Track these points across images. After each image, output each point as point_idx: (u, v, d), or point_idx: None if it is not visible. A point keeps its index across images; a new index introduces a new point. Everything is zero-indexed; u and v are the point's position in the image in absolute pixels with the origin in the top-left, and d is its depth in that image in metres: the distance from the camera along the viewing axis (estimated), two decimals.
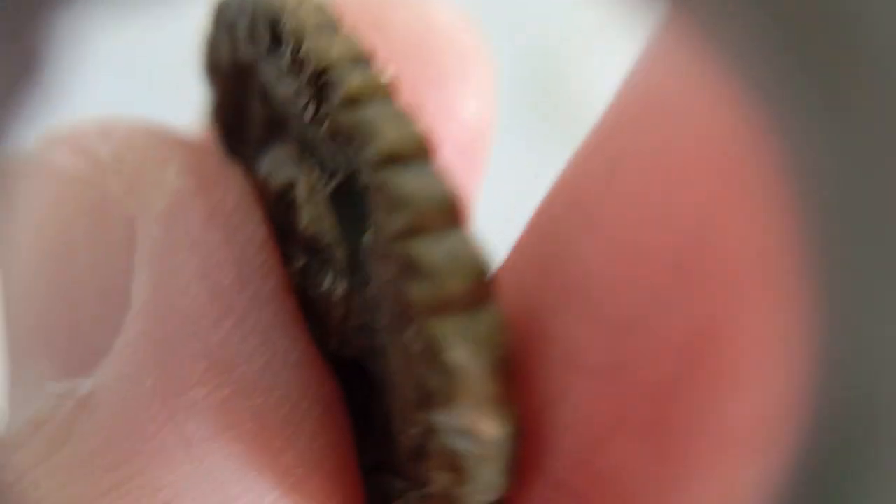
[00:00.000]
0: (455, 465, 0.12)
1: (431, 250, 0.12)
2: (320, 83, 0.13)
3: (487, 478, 0.12)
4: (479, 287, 0.12)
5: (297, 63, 0.13)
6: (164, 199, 0.13)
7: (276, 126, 0.14)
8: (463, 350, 0.12)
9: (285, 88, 0.13)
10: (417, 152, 0.12)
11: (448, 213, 0.12)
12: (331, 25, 0.13)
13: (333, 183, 0.13)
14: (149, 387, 0.13)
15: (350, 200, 0.13)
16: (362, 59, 0.13)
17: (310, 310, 0.14)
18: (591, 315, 0.12)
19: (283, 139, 0.14)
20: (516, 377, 0.13)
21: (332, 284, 0.13)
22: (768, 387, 0.12)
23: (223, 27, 0.14)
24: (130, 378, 0.13)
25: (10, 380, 0.14)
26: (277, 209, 0.14)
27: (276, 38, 0.13)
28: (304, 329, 0.14)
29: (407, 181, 0.12)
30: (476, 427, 0.12)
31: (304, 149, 0.14)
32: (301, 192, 0.14)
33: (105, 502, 0.12)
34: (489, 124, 0.17)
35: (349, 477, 0.14)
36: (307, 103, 0.13)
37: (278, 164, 0.14)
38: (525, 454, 0.13)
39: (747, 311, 0.12)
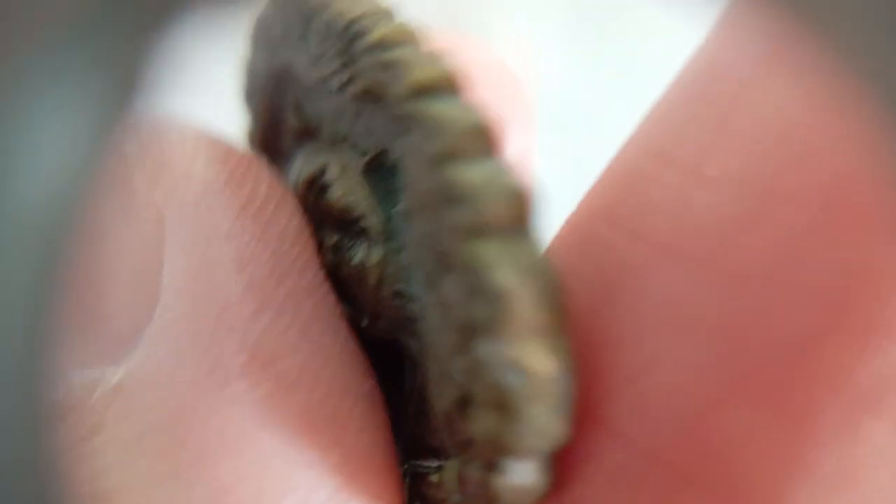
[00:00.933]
0: (502, 403, 0.11)
1: (469, 174, 0.11)
2: (348, 37, 0.13)
3: (539, 419, 0.11)
4: (521, 212, 0.11)
5: (326, 29, 0.13)
6: (194, 190, 0.13)
7: (308, 133, 0.14)
8: (510, 272, 0.11)
9: (317, 71, 0.13)
10: (447, 85, 0.12)
11: (482, 140, 0.12)
12: None
13: (366, 159, 0.13)
14: (187, 379, 0.12)
15: (382, 175, 0.13)
16: (387, 13, 0.13)
17: (342, 290, 0.13)
18: (702, 266, 0.12)
19: (314, 141, 0.14)
20: (586, 324, 0.12)
21: (366, 254, 0.13)
22: None
23: (260, 40, 0.14)
24: (165, 369, 0.12)
25: (55, 366, 0.13)
26: (308, 196, 0.14)
27: (307, 25, 0.13)
28: (342, 319, 0.13)
29: (439, 109, 0.12)
30: (526, 358, 0.11)
31: (336, 140, 0.14)
32: (333, 171, 0.13)
33: (147, 495, 0.12)
34: (531, 161, 0.17)
35: (392, 471, 0.13)
36: (336, 71, 0.13)
37: (309, 158, 0.14)
38: (597, 413, 0.12)
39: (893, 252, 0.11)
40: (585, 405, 0.12)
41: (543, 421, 0.11)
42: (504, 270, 0.11)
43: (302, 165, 0.14)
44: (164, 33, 0.09)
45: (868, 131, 0.09)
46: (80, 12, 0.08)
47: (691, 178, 0.12)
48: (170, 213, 0.13)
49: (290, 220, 0.13)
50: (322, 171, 0.14)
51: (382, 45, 0.12)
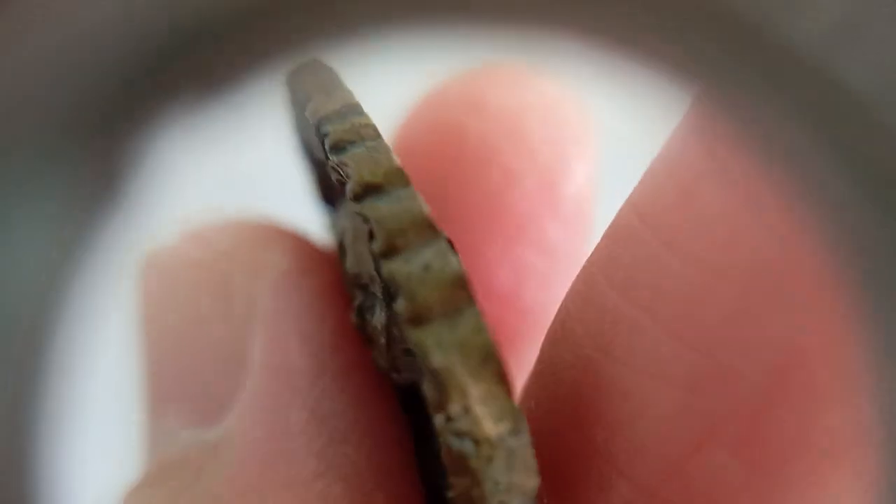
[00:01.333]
0: (464, 469, 0.13)
1: (405, 267, 0.13)
2: (321, 136, 0.14)
3: (500, 478, 0.13)
4: (455, 294, 0.12)
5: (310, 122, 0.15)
6: (273, 277, 0.16)
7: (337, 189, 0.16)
8: (446, 353, 0.12)
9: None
10: (390, 181, 0.13)
11: (421, 231, 0.13)
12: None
13: (368, 226, 0.14)
14: (263, 434, 0.15)
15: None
16: (353, 109, 0.14)
17: (372, 344, 0.15)
18: (675, 330, 0.13)
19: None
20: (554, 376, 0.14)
21: (378, 316, 0.14)
22: (854, 402, 0.12)
23: (291, 101, 0.16)
24: (249, 427, 0.15)
25: (146, 431, 0.16)
26: (340, 257, 0.15)
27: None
28: (379, 374, 0.15)
29: (379, 208, 0.13)
30: (474, 427, 0.12)
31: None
32: (348, 237, 0.15)
33: None
34: (592, 193, 0.19)
35: None
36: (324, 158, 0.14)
37: (340, 218, 0.16)
38: (605, 451, 0.14)
39: (830, 327, 0.12)
40: (594, 443, 0.14)
41: (505, 479, 0.13)
42: (440, 353, 0.12)
43: (336, 224, 0.16)
44: (135, 144, 0.09)
45: (799, 223, 0.11)
46: (46, 129, 0.09)
47: (665, 248, 0.13)
48: (255, 296, 0.16)
49: (343, 298, 0.15)
50: (343, 235, 0.15)
51: (337, 147, 0.14)
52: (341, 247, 0.16)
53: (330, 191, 0.17)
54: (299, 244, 0.16)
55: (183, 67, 0.09)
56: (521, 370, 0.16)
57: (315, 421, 0.15)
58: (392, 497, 0.15)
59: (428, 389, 0.13)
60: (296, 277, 0.15)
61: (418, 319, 0.13)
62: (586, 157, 0.18)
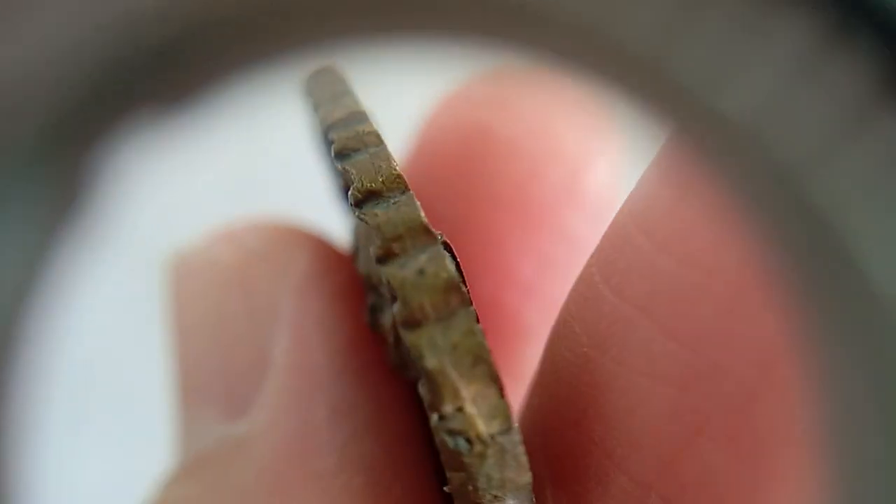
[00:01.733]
0: (459, 466, 0.13)
1: (400, 272, 0.13)
2: (328, 143, 0.15)
3: (493, 474, 0.13)
4: (447, 298, 0.13)
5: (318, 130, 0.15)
6: (296, 278, 0.16)
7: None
8: (438, 356, 0.13)
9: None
10: (390, 187, 0.14)
11: (416, 236, 0.13)
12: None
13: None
14: (288, 430, 0.16)
15: None
16: (359, 117, 0.15)
17: (384, 342, 0.15)
18: (669, 329, 0.14)
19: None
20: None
21: (387, 315, 0.15)
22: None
23: (311, 108, 0.16)
24: (274, 422, 0.16)
25: (180, 425, 0.17)
26: (355, 258, 0.16)
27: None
28: (400, 378, 0.16)
29: (378, 214, 0.14)
30: (466, 426, 0.13)
31: None
32: (361, 239, 0.16)
33: None
34: (616, 187, 0.19)
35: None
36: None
37: (354, 224, 0.17)
38: (604, 445, 0.14)
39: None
40: (593, 438, 0.14)
41: (498, 475, 0.13)
42: (433, 355, 0.13)
43: (353, 226, 0.17)
44: (102, 154, 0.09)
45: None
46: (15, 140, 0.09)
47: (659, 250, 0.14)
48: (279, 296, 0.16)
49: (360, 299, 0.16)
50: (357, 236, 0.16)
51: (341, 154, 0.14)
52: (356, 248, 0.16)
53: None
54: (320, 246, 0.17)
55: (152, 78, 0.09)
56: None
57: (337, 417, 0.15)
58: (408, 488, 0.15)
59: (423, 390, 0.13)
60: (317, 278, 0.16)
61: (412, 323, 0.13)
62: (609, 151, 0.19)
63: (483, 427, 0.13)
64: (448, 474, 0.14)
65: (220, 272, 0.17)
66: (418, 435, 0.16)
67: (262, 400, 0.16)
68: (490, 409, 0.13)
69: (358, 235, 0.16)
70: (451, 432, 0.13)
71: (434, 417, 0.13)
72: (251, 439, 0.16)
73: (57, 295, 0.10)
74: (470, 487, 0.14)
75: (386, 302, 0.15)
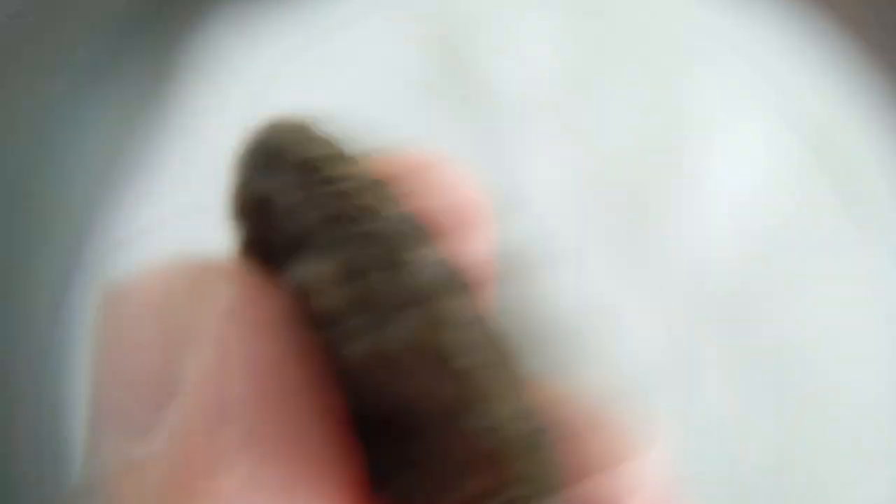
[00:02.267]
0: (492, 465, 0.13)
1: (421, 277, 0.14)
2: (307, 172, 0.16)
3: (525, 473, 0.13)
4: (470, 301, 0.13)
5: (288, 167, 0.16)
6: (219, 309, 0.17)
7: (297, 245, 0.17)
8: (469, 358, 0.13)
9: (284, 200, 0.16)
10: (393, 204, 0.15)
11: (422, 238, 0.14)
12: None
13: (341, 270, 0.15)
14: (188, 450, 0.16)
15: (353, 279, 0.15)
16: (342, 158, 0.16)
17: (345, 373, 0.16)
18: None
19: (303, 251, 0.17)
20: None
21: (353, 347, 0.15)
22: None
23: (240, 172, 0.17)
24: (180, 444, 0.16)
25: (87, 447, 0.17)
26: (305, 298, 0.16)
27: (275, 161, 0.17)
28: (339, 410, 0.16)
29: (381, 221, 0.15)
30: (497, 426, 0.13)
31: (318, 251, 0.16)
32: (320, 279, 0.16)
33: None
34: (490, 262, 0.20)
35: None
36: (300, 201, 0.16)
37: (300, 267, 0.17)
38: None
39: None
40: None
41: (530, 474, 0.13)
42: (463, 357, 0.13)
43: (296, 273, 0.17)
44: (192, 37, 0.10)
45: None
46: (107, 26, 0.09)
47: None
48: (198, 325, 0.17)
49: (291, 331, 0.17)
50: (309, 279, 0.16)
51: (331, 181, 0.15)
52: (303, 290, 0.16)
53: (267, 251, 0.18)
54: (245, 278, 0.17)
55: None
56: None
57: (250, 442, 0.16)
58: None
59: (449, 389, 0.13)
60: (240, 309, 0.17)
61: (439, 325, 0.13)
62: (483, 222, 0.20)
63: (515, 427, 0.13)
64: (472, 478, 0.13)
65: (140, 306, 0.18)
66: (352, 461, 0.16)
67: (165, 423, 0.17)
68: (518, 409, 0.13)
69: (312, 273, 0.16)
70: (481, 432, 0.13)
71: (464, 419, 0.13)
72: (149, 461, 0.16)
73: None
74: (497, 490, 0.13)
75: (355, 335, 0.15)
